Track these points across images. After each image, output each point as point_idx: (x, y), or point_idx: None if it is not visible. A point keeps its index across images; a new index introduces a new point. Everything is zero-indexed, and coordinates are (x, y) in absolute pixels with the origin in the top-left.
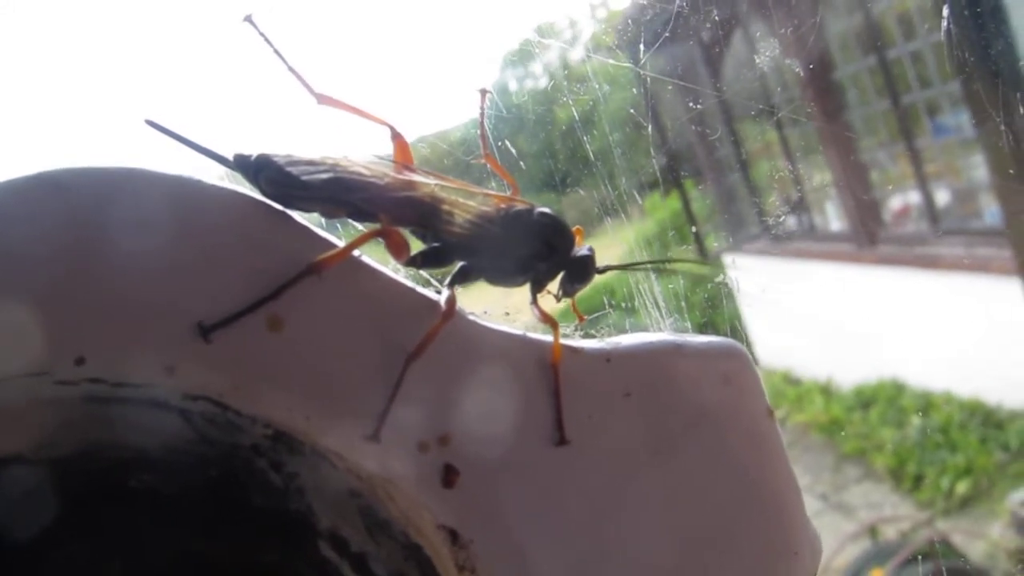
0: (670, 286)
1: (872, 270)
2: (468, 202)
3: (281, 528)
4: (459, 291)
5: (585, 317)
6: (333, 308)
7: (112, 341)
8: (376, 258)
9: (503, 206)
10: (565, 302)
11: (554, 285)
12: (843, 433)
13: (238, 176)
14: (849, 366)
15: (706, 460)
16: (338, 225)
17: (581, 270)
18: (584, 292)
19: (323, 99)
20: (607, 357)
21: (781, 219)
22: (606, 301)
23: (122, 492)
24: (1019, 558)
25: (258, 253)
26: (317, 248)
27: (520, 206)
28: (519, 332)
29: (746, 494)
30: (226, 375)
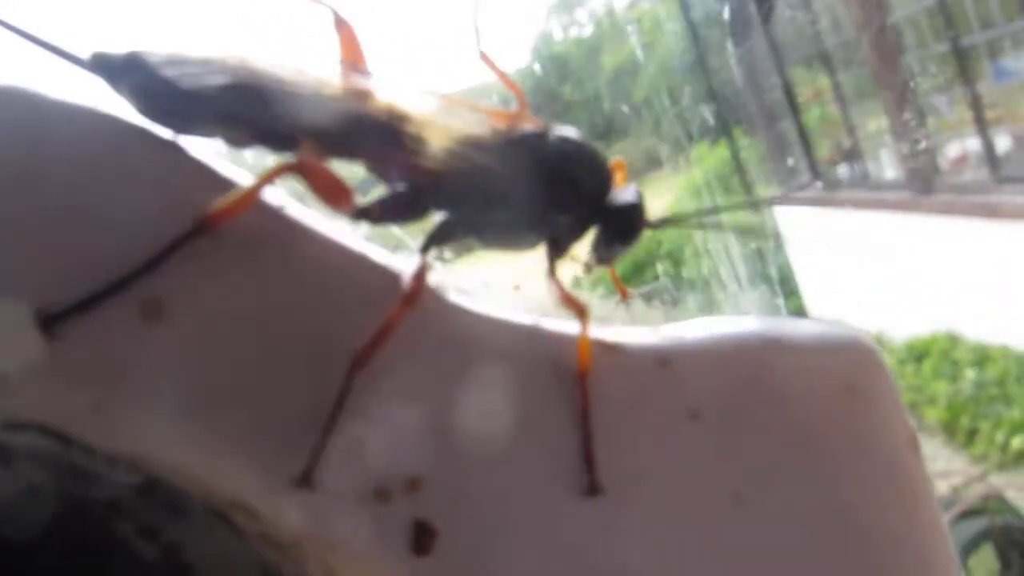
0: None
1: (928, 219)
2: (448, 121)
3: None
4: (439, 257)
5: (630, 292)
6: (240, 286)
7: None
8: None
9: (502, 127)
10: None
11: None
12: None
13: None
14: (902, 318)
15: (815, 512)
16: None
17: (624, 224)
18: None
19: None
20: (663, 359)
21: (833, 167)
22: (660, 269)
23: None
24: None
25: (124, 204)
26: (214, 193)
27: (528, 127)
28: (529, 321)
29: (877, 562)
30: (76, 390)
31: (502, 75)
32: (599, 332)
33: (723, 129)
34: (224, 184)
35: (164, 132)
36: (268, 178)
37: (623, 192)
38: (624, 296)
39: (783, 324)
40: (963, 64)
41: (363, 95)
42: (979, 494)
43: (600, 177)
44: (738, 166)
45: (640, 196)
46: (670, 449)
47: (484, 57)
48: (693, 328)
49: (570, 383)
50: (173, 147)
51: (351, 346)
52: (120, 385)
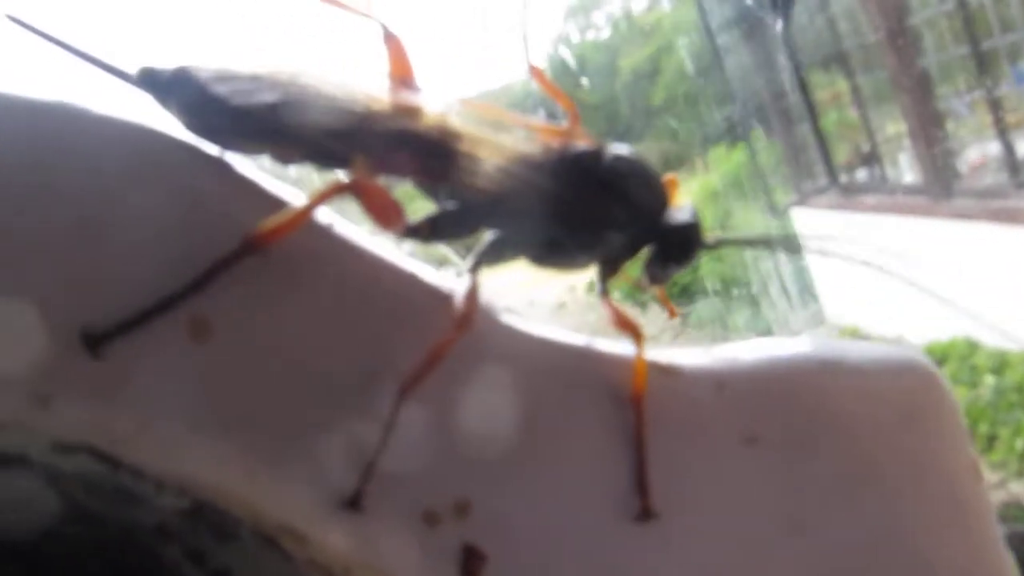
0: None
1: (946, 224)
2: (500, 138)
3: None
4: (488, 275)
5: (679, 311)
6: (287, 306)
7: None
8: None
9: (555, 145)
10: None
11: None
12: None
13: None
14: (921, 323)
15: (875, 541)
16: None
17: (680, 244)
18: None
19: None
20: (719, 382)
21: (851, 171)
22: (710, 287)
23: None
24: None
25: (172, 221)
26: (262, 211)
27: (582, 145)
28: (580, 342)
29: None
30: (122, 411)
31: (553, 89)
32: (654, 353)
33: (741, 132)
34: (272, 200)
35: (210, 148)
36: (322, 199)
37: (679, 211)
38: (672, 315)
39: (841, 346)
40: (983, 67)
41: (413, 111)
42: (999, 501)
43: (656, 196)
44: (756, 169)
45: (697, 215)
46: (726, 475)
47: (534, 70)
48: (748, 350)
49: (624, 405)
50: (220, 163)
51: (400, 368)
52: (166, 405)
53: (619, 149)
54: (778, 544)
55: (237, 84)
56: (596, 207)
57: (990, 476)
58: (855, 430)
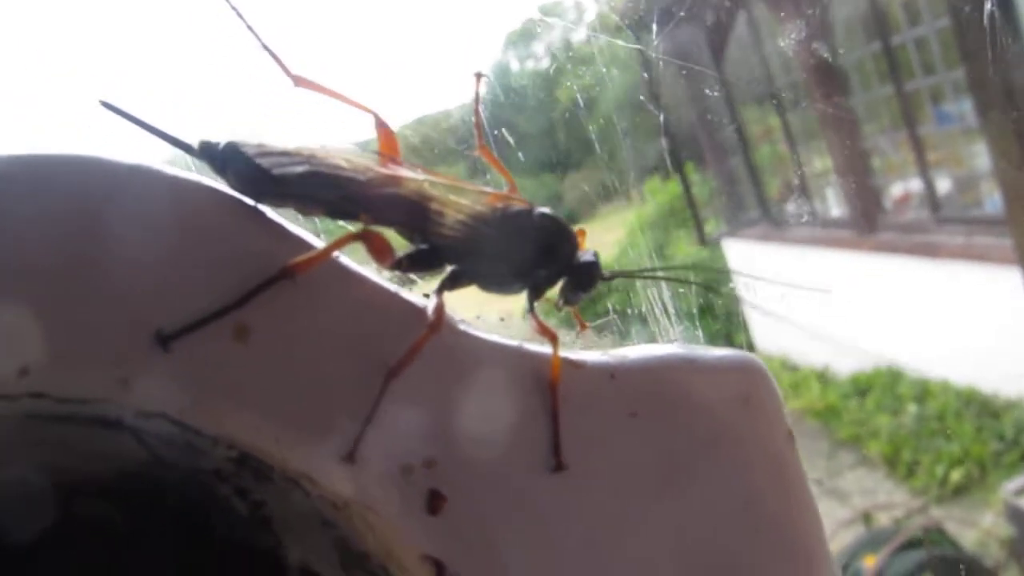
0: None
1: (871, 257)
2: (460, 200)
3: (246, 561)
4: (449, 294)
5: (587, 324)
6: (307, 316)
7: (59, 349)
8: (358, 258)
9: (499, 205)
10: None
11: (554, 292)
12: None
13: (204, 166)
14: (846, 353)
15: (719, 489)
16: (316, 220)
17: (584, 278)
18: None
19: (300, 81)
20: (611, 373)
21: (781, 204)
22: (610, 307)
23: (67, 522)
24: (1011, 547)
25: (225, 253)
26: (291, 248)
27: (518, 205)
28: (515, 343)
29: (763, 527)
30: (186, 390)
31: (498, 166)
32: (567, 352)
33: (675, 165)
34: (295, 240)
35: (249, 201)
36: (342, 242)
37: (585, 254)
38: (582, 328)
39: (698, 349)
40: (906, 108)
41: (399, 180)
42: (919, 526)
43: (569, 242)
44: (689, 201)
45: (597, 256)
46: (616, 438)
47: (484, 150)
48: (634, 351)
49: (544, 388)
50: (260, 212)
51: (387, 360)
52: (215, 386)
53: (543, 209)
54: (652, 491)
55: (274, 159)
56: (527, 250)
57: (912, 502)
58: (706, 408)
